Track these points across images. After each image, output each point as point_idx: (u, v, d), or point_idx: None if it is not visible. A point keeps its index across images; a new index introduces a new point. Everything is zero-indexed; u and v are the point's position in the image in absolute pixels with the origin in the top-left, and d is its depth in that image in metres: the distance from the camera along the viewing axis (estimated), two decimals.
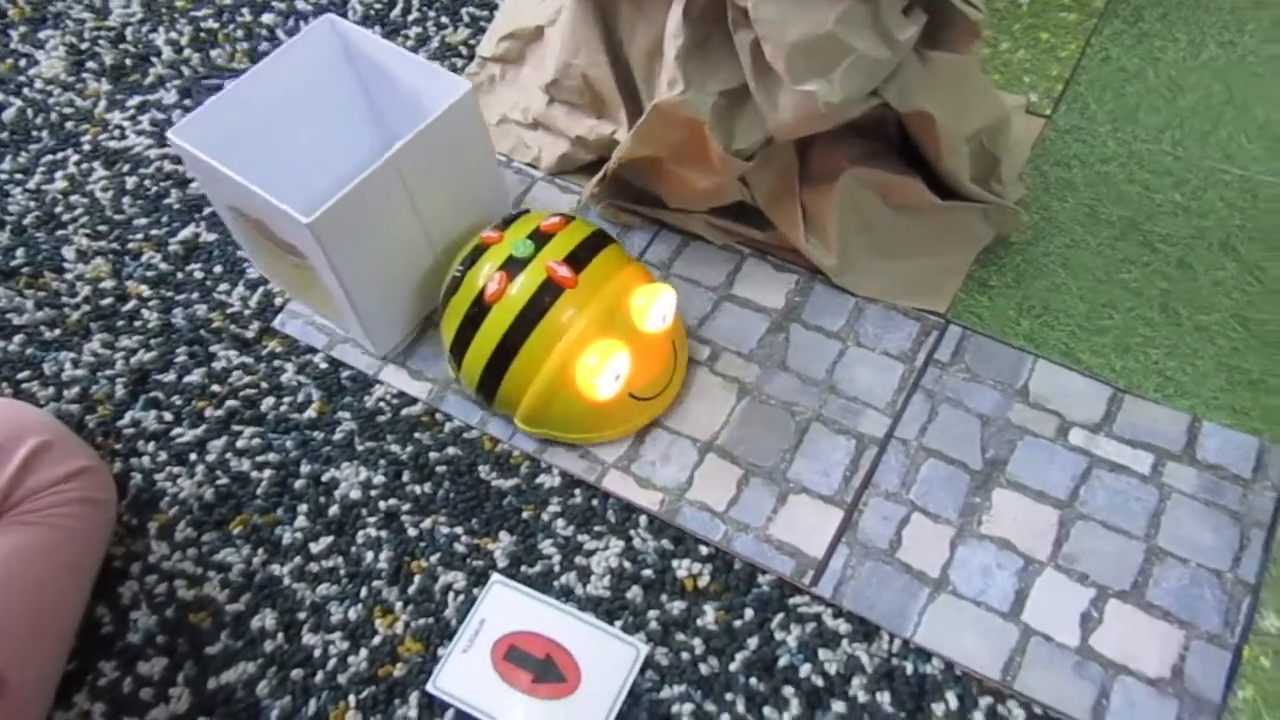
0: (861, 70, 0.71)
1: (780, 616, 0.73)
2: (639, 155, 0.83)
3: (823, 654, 0.71)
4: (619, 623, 0.74)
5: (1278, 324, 0.82)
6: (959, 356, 0.83)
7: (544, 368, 0.76)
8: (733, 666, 0.71)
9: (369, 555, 0.78)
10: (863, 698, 0.69)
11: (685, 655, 0.72)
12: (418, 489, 0.81)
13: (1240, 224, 0.87)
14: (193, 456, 0.84)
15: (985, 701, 0.68)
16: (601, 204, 0.93)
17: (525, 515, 0.79)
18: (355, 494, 0.81)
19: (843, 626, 0.72)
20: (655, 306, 0.76)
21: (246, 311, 0.93)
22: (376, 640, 0.74)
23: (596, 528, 0.78)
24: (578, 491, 0.80)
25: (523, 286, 0.76)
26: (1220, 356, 0.81)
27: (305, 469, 0.83)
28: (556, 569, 0.76)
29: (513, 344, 0.76)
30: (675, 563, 0.76)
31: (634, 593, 0.75)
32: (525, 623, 0.73)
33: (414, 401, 0.86)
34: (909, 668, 0.70)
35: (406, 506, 0.80)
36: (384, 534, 0.79)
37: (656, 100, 0.77)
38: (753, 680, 0.70)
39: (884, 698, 0.69)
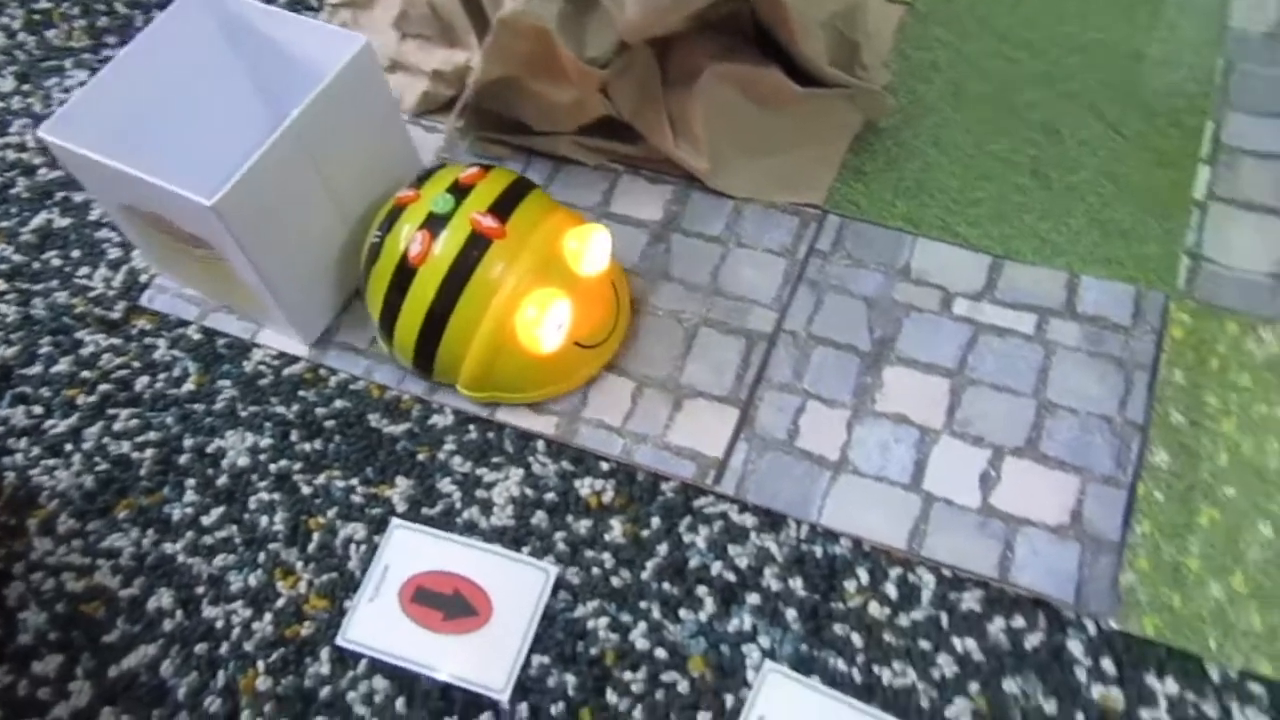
0: None
1: (687, 520, 0.72)
2: (493, 77, 0.81)
3: (732, 550, 0.70)
4: (526, 549, 0.72)
5: (1142, 175, 0.83)
6: (839, 245, 0.83)
7: (481, 327, 0.71)
8: (644, 575, 0.70)
9: (264, 520, 0.76)
10: (775, 586, 0.69)
11: (596, 571, 0.71)
12: (307, 447, 0.79)
13: (1101, 85, 0.88)
14: (68, 447, 0.81)
15: (895, 572, 0.68)
16: (468, 138, 0.90)
17: (420, 458, 0.77)
18: (243, 461, 0.78)
19: (749, 520, 0.71)
20: (591, 248, 0.73)
21: (110, 293, 0.89)
22: (280, 603, 0.72)
23: (494, 460, 0.76)
24: (472, 427, 0.78)
25: (448, 243, 0.71)
26: (1091, 213, 0.81)
27: (189, 443, 0.80)
28: (458, 506, 0.74)
29: (445, 306, 0.71)
30: (577, 483, 0.75)
31: (539, 518, 0.73)
32: (430, 563, 0.72)
33: (295, 360, 0.83)
34: (818, 551, 0.70)
35: (298, 466, 0.78)
36: (277, 496, 0.76)
37: (500, 14, 0.75)
38: (665, 585, 0.70)
39: (796, 583, 0.69)
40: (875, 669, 0.65)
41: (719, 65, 0.82)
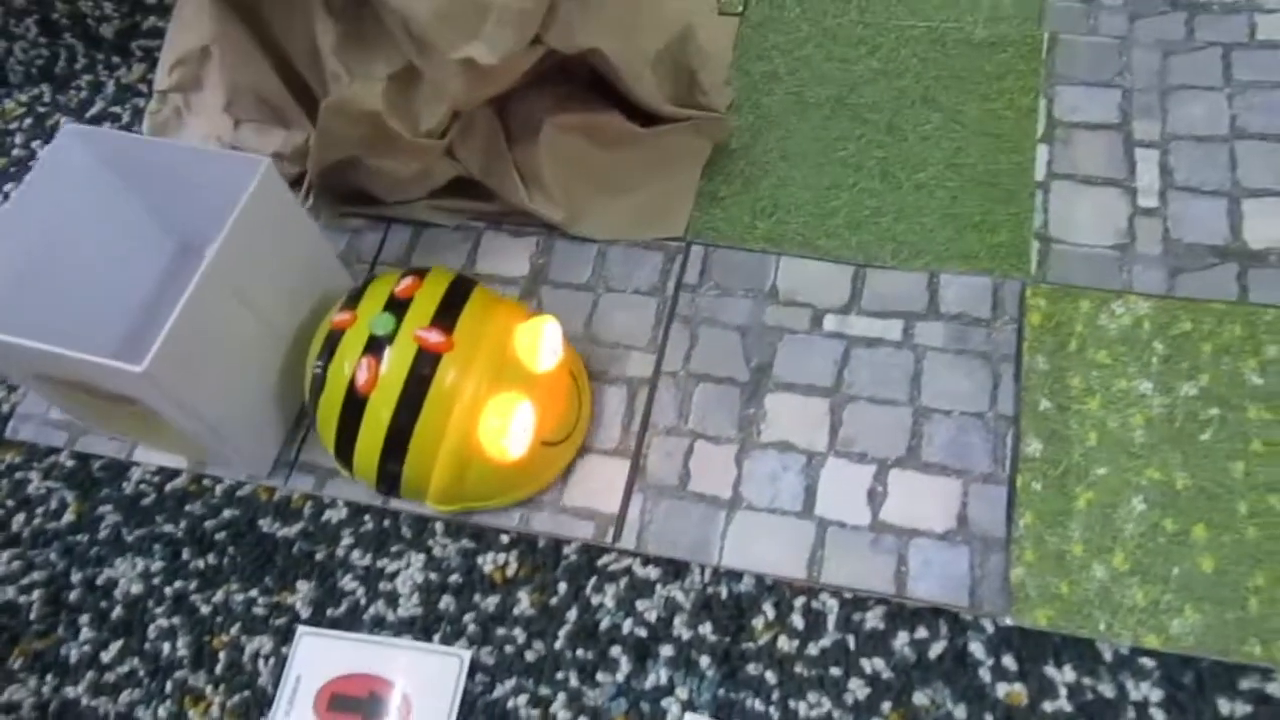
0: (509, 23, 0.68)
1: (593, 580, 0.72)
2: (331, 161, 0.79)
3: (640, 605, 0.71)
4: (437, 636, 0.72)
5: (983, 163, 0.85)
6: (706, 275, 0.83)
7: (444, 443, 0.69)
8: (558, 644, 0.70)
9: (165, 647, 0.74)
10: (686, 635, 0.70)
11: (509, 648, 0.71)
12: (201, 563, 0.77)
13: (935, 75, 0.90)
14: None
15: (799, 602, 0.70)
16: (322, 215, 0.88)
17: (319, 557, 0.76)
18: (136, 588, 0.76)
19: (653, 572, 0.72)
20: (543, 343, 0.71)
21: None
22: None
23: (394, 548, 0.76)
24: (367, 517, 0.77)
25: (394, 365, 0.68)
26: (942, 209, 0.83)
27: (76, 577, 0.77)
28: (363, 602, 0.74)
29: (402, 430, 0.68)
30: (480, 559, 0.74)
31: (445, 602, 0.73)
32: (342, 667, 0.71)
33: (177, 474, 0.81)
34: (723, 592, 0.71)
35: (194, 585, 0.76)
36: (176, 620, 0.75)
37: (325, 102, 0.73)
38: (579, 652, 0.70)
39: (706, 629, 0.70)
40: (791, 704, 0.66)
41: (558, 116, 0.81)
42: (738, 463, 0.75)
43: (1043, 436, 0.73)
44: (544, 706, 0.68)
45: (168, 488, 0.80)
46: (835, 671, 0.67)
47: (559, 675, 0.69)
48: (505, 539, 0.75)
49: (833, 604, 0.70)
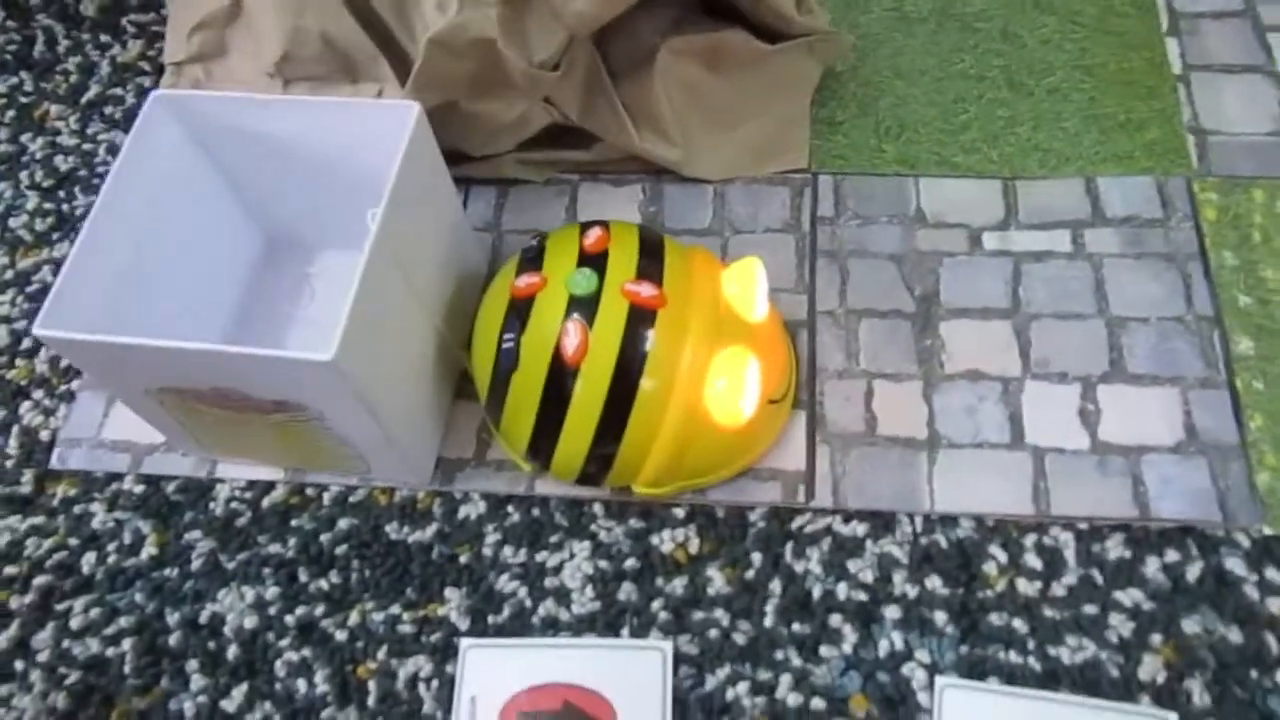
0: None
1: (790, 546, 0.64)
2: (428, 105, 0.69)
3: (851, 566, 0.63)
4: (625, 630, 0.62)
5: (1114, 61, 0.80)
6: (842, 205, 0.76)
7: (667, 416, 0.59)
8: (768, 622, 0.62)
9: (301, 685, 0.63)
10: (912, 592, 0.62)
11: (713, 633, 0.62)
12: (324, 584, 0.66)
13: None
14: (19, 665, 0.65)
15: (1030, 540, 0.63)
16: None
17: (463, 559, 0.66)
18: (250, 621, 0.65)
19: (859, 528, 0.64)
20: (757, 286, 0.62)
21: (8, 463, 0.72)
22: None
23: (551, 539, 0.66)
24: (510, 508, 0.67)
25: (607, 328, 0.58)
26: (1082, 112, 0.77)
27: (173, 618, 0.66)
28: (528, 604, 0.64)
29: (621, 403, 0.59)
30: (654, 539, 0.65)
31: (626, 591, 0.64)
32: (523, 679, 0.61)
33: (273, 486, 0.70)
34: (942, 541, 0.63)
35: (320, 609, 0.65)
36: (308, 652, 0.64)
37: (430, 34, 0.63)
38: (795, 626, 0.62)
39: (933, 582, 0.62)
40: (1049, 650, 0.59)
41: (675, 40, 0.73)
42: (926, 399, 0.67)
43: (1250, 333, 0.67)
44: (768, 693, 0.60)
45: (264, 503, 0.69)
46: (1090, 609, 0.60)
47: (777, 655, 0.61)
48: (679, 514, 0.66)
49: (1067, 537, 0.63)
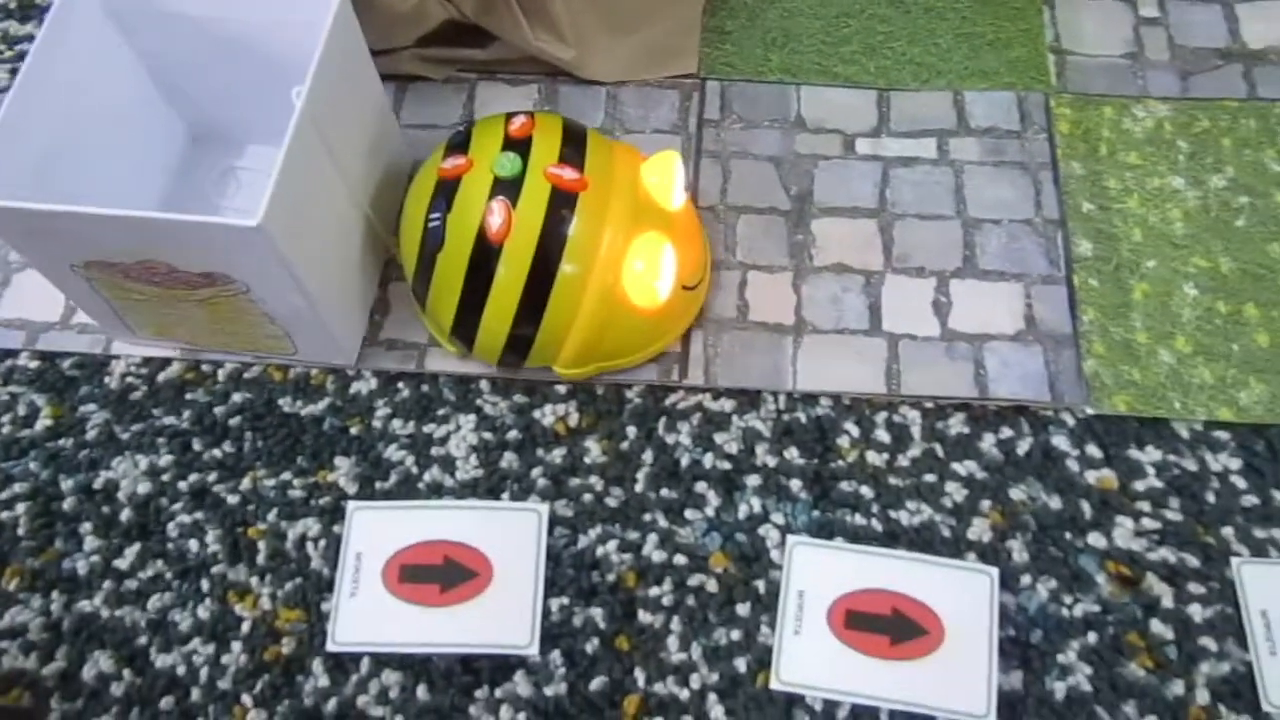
0: None
1: (663, 421, 0.69)
2: None
3: (718, 438, 0.68)
4: (506, 495, 0.67)
5: None
6: (727, 109, 0.79)
7: (585, 294, 0.62)
8: (639, 487, 0.67)
9: (193, 545, 0.66)
10: (772, 462, 0.67)
11: (587, 497, 0.66)
12: (218, 452, 0.69)
13: None
14: None
15: (881, 417, 0.68)
16: None
17: (354, 431, 0.69)
18: (144, 487, 0.68)
19: (726, 405, 0.69)
20: (675, 177, 0.65)
21: None
22: (245, 628, 0.63)
23: (439, 412, 0.69)
24: (401, 384, 0.71)
25: (530, 209, 0.61)
26: (954, 30, 0.82)
27: (67, 484, 0.68)
28: (414, 471, 0.68)
29: (542, 281, 0.61)
30: (537, 413, 0.69)
31: (508, 460, 0.68)
32: (407, 537, 0.65)
33: (168, 362, 0.72)
34: (802, 417, 0.68)
35: (213, 476, 0.68)
36: (200, 515, 0.67)
37: None
38: (663, 491, 0.66)
39: (791, 454, 0.67)
40: (891, 513, 0.65)
41: None
42: (795, 289, 0.72)
43: (1090, 236, 0.73)
44: (635, 550, 0.65)
45: (160, 378, 0.71)
46: (929, 478, 0.66)
47: (646, 517, 0.66)
48: (561, 390, 0.70)
49: (914, 415, 0.68)
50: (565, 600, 0.63)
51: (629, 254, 0.62)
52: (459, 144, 0.65)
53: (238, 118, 0.75)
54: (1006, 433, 0.67)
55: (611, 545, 0.65)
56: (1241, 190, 0.74)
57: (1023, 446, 0.67)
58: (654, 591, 0.63)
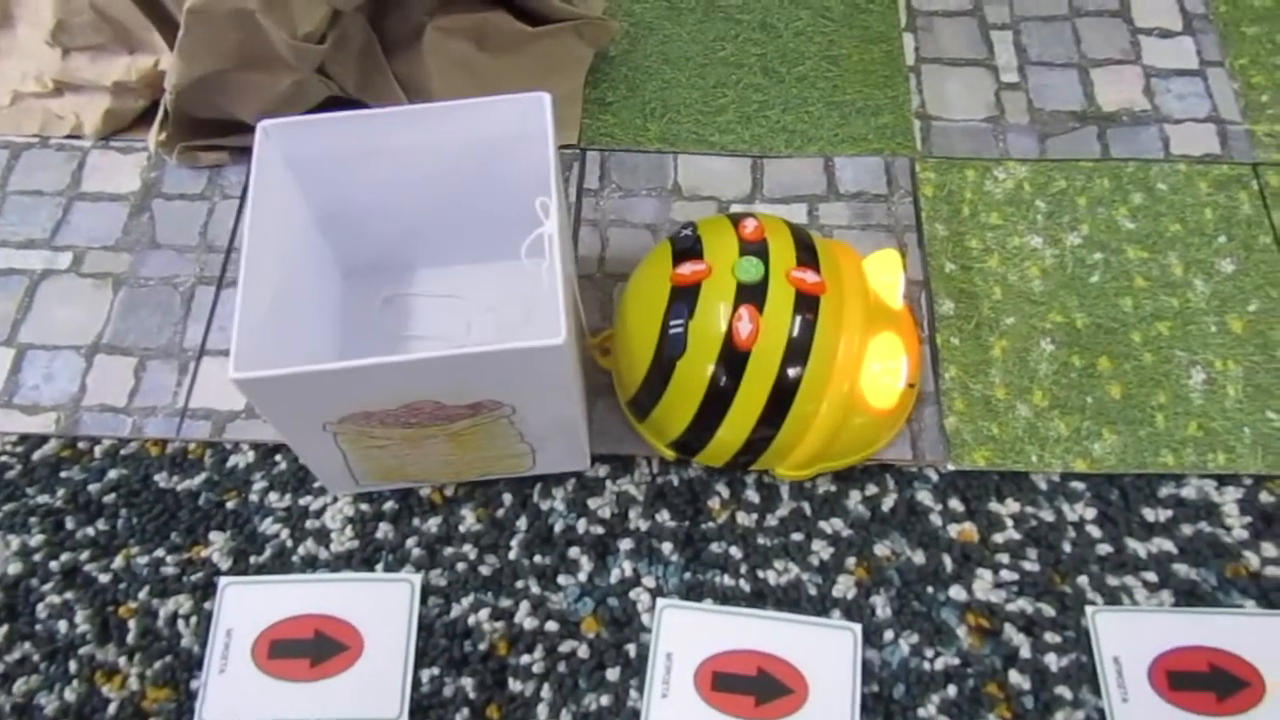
0: None
1: (539, 487, 0.70)
2: (194, 77, 0.72)
3: (592, 503, 0.69)
4: (380, 566, 0.67)
5: (858, 53, 0.88)
6: (606, 178, 0.82)
7: (826, 399, 0.62)
8: (512, 554, 0.67)
9: (61, 625, 0.65)
10: (644, 525, 0.68)
11: (460, 566, 0.67)
12: (91, 531, 0.68)
13: None
14: None
15: (751, 478, 0.70)
16: (176, 151, 0.80)
17: (230, 505, 0.69)
18: (14, 568, 0.67)
19: (601, 470, 0.70)
20: (901, 275, 0.67)
21: None
22: (112, 709, 0.63)
23: (316, 484, 0.70)
24: (279, 458, 0.71)
25: (776, 314, 0.61)
26: (825, 98, 0.85)
27: None
28: (289, 544, 0.68)
29: (787, 387, 0.61)
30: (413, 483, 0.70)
31: (383, 531, 0.68)
32: (278, 612, 0.65)
33: (44, 440, 0.72)
34: (675, 480, 0.70)
35: (85, 555, 0.68)
36: (70, 595, 0.66)
37: (189, 3, 0.66)
38: (536, 558, 0.67)
39: (663, 516, 0.68)
40: (759, 574, 0.66)
41: (441, 19, 0.78)
42: None
43: (953, 295, 0.76)
44: (507, 618, 0.65)
45: (35, 456, 0.71)
46: (797, 537, 0.68)
47: (519, 584, 0.66)
48: None
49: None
50: (436, 670, 0.64)
51: (867, 355, 0.63)
52: (690, 248, 0.64)
53: (391, 246, 0.73)
54: (872, 490, 0.69)
55: (484, 614, 0.65)
56: (1096, 247, 0.78)
57: (888, 503, 0.69)
58: (525, 659, 0.64)
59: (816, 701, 0.62)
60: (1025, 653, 0.64)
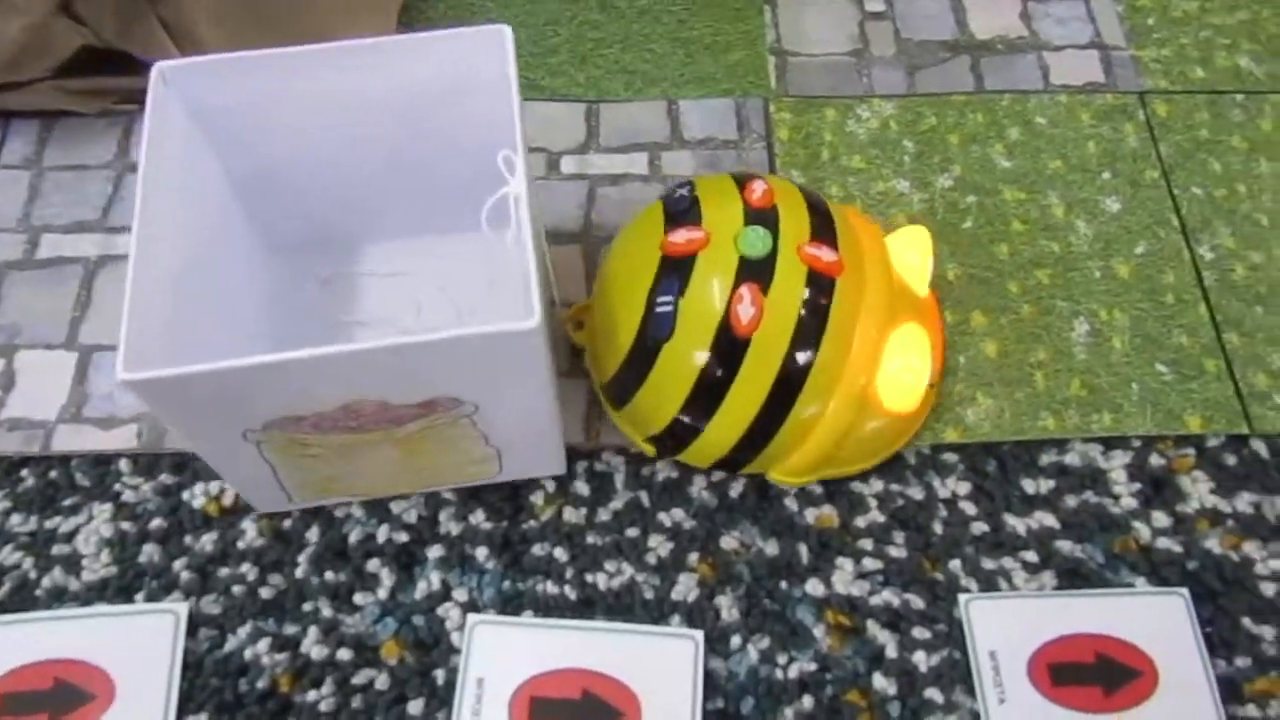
0: None
1: None
2: None
3: (395, 506, 0.59)
4: (141, 595, 0.57)
5: None
6: None
7: (836, 397, 0.53)
8: (299, 572, 0.57)
9: None
10: (455, 529, 0.59)
11: (238, 589, 0.57)
12: None
13: None
14: None
15: (581, 467, 0.61)
16: None
17: None
18: None
19: None
20: (930, 257, 0.57)
21: None
22: None
23: (67, 502, 0.59)
24: (25, 471, 0.60)
25: (784, 296, 0.51)
26: (670, 34, 0.76)
27: None
28: (32, 575, 0.57)
29: (792, 382, 0.52)
30: (186, 494, 0.60)
31: (148, 552, 0.58)
32: (9, 660, 0.54)
33: None
34: None
35: None
36: None
37: None
38: (328, 575, 0.57)
39: (478, 518, 0.59)
40: (588, 578, 0.57)
41: None
42: None
43: None
44: (292, 648, 0.55)
45: None
46: (632, 533, 0.59)
47: (305, 607, 0.57)
48: None
49: (618, 461, 0.61)
50: (204, 717, 0.54)
51: (886, 349, 0.54)
52: (683, 212, 0.55)
53: (325, 217, 0.63)
54: (719, 473, 0.60)
55: (264, 644, 0.55)
56: (969, 190, 0.70)
57: (736, 488, 0.60)
58: (312, 695, 0.54)
59: None
60: (891, 652, 0.56)
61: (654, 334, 0.53)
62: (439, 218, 0.62)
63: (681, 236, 0.54)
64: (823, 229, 0.55)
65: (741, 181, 0.56)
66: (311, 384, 0.46)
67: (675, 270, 0.53)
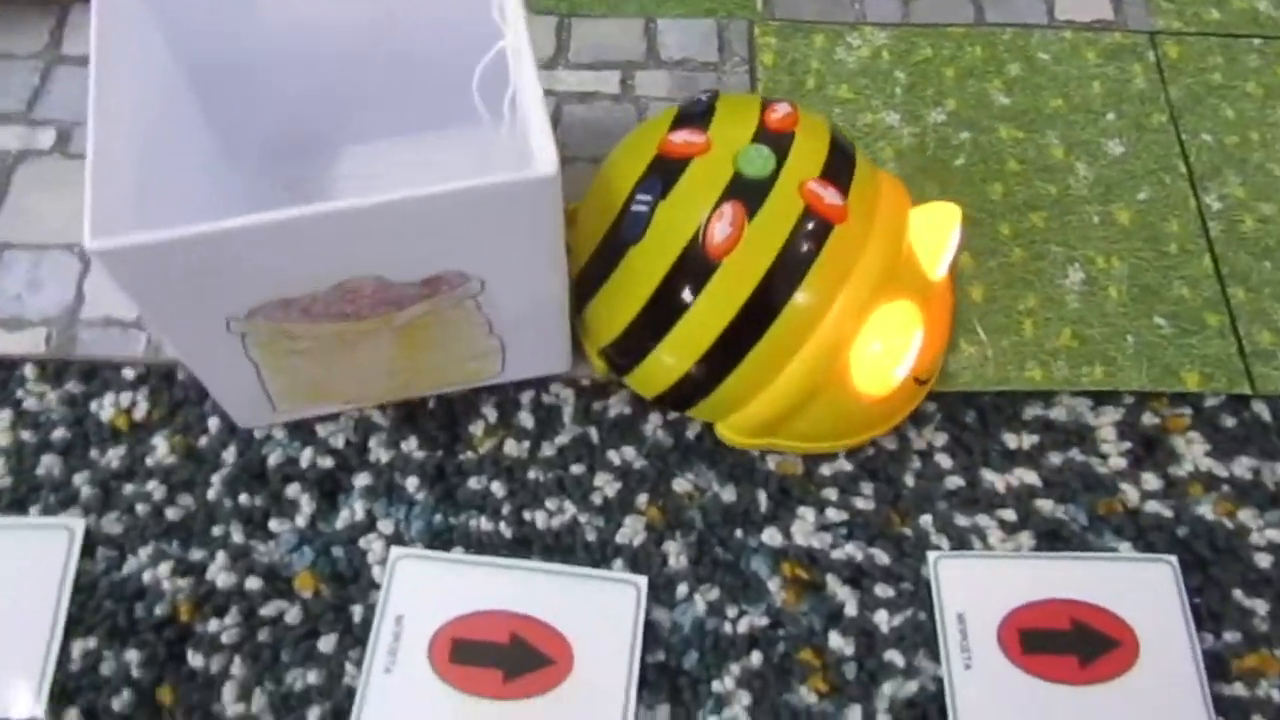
0: None
1: None
2: None
3: (322, 430, 0.54)
4: (36, 508, 0.52)
5: None
6: None
7: (800, 354, 0.48)
8: (211, 494, 0.53)
9: None
10: (385, 456, 0.54)
11: (142, 509, 0.52)
12: None
13: None
14: None
15: (527, 397, 0.56)
16: None
17: None
18: None
19: None
20: (951, 239, 0.50)
21: None
22: None
23: None
24: None
25: (769, 226, 0.47)
26: None
27: None
28: None
29: (756, 321, 0.47)
30: (94, 405, 0.55)
31: (47, 464, 0.53)
32: None
33: None
34: (431, 400, 0.56)
35: None
36: None
37: None
38: (242, 499, 0.53)
39: (410, 445, 0.54)
40: (526, 515, 0.53)
41: None
42: None
43: None
44: (196, 574, 0.51)
45: None
46: (577, 469, 0.54)
47: (215, 532, 0.52)
48: (130, 374, 0.56)
49: (568, 394, 0.56)
50: (92, 643, 0.49)
51: (869, 321, 0.48)
52: (697, 115, 0.51)
53: (293, 115, 0.57)
54: (676, 414, 0.56)
55: (165, 568, 0.51)
56: (963, 125, 0.65)
57: (694, 429, 0.55)
58: (214, 626, 0.50)
59: (582, 674, 0.48)
60: (851, 610, 0.51)
61: (625, 233, 0.49)
62: (421, 114, 0.57)
63: (680, 138, 0.50)
64: (838, 171, 0.49)
65: (767, 103, 0.51)
66: (303, 254, 0.41)
67: (664, 171, 0.49)
